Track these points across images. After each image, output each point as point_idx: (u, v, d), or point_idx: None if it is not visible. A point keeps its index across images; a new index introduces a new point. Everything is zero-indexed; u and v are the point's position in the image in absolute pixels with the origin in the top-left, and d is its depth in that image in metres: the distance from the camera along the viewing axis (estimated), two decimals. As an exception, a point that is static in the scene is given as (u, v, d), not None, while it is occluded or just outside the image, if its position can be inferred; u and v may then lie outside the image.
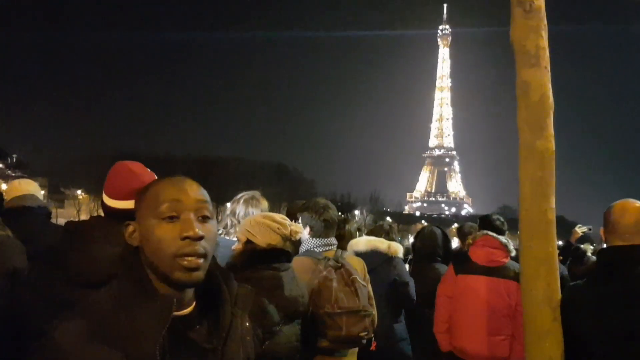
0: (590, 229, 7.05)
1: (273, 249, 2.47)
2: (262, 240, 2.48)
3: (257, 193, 3.49)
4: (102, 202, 2.44)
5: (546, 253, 2.41)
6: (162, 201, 1.11)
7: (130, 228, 1.16)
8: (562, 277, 2.62)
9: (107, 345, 1.03)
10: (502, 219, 4.50)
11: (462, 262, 3.91)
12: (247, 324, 1.28)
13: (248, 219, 2.68)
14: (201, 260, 1.10)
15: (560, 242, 8.39)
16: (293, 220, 4.17)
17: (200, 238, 1.09)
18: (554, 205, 2.46)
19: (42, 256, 2.88)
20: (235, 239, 3.13)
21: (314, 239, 3.11)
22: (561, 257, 5.04)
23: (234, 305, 1.23)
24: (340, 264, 2.95)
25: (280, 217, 2.65)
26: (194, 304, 1.18)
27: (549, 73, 2.47)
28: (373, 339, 3.06)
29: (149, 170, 2.28)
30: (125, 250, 1.17)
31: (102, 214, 2.42)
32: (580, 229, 6.82)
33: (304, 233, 3.14)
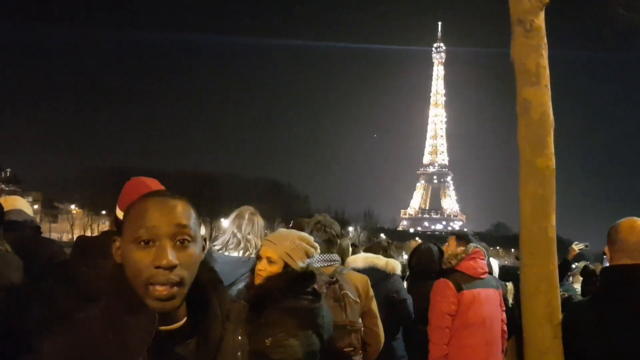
0: (587, 246, 7.05)
1: (310, 273, 2.43)
2: (298, 264, 2.40)
3: (252, 208, 3.49)
4: (115, 217, 2.45)
5: (547, 270, 2.41)
6: (139, 225, 1.09)
7: (117, 244, 1.16)
8: (569, 297, 2.62)
9: (92, 359, 1.03)
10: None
11: (459, 277, 3.90)
12: (240, 338, 1.27)
13: (285, 240, 2.47)
14: (175, 289, 1.08)
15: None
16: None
17: (174, 267, 1.07)
18: (554, 223, 2.46)
19: (48, 270, 2.88)
20: (236, 254, 3.13)
21: (315, 255, 3.11)
22: None
23: (226, 319, 1.22)
24: (334, 280, 2.95)
25: (311, 238, 2.61)
26: (184, 319, 1.17)
27: (549, 91, 2.50)
28: (361, 356, 3.01)
29: (163, 187, 2.27)
30: (113, 265, 1.16)
31: (106, 229, 2.42)
32: (577, 247, 6.82)
33: None
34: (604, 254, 2.51)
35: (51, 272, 2.37)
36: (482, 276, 3.96)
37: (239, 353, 1.25)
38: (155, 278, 1.07)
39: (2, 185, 68.75)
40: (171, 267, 1.07)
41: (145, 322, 1.06)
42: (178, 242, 1.10)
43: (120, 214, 2.40)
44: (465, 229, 5.39)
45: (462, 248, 4.08)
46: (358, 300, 2.97)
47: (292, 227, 4.13)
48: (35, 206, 58.96)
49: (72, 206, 70.94)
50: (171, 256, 1.07)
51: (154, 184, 2.32)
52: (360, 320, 2.97)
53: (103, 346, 1.05)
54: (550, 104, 2.51)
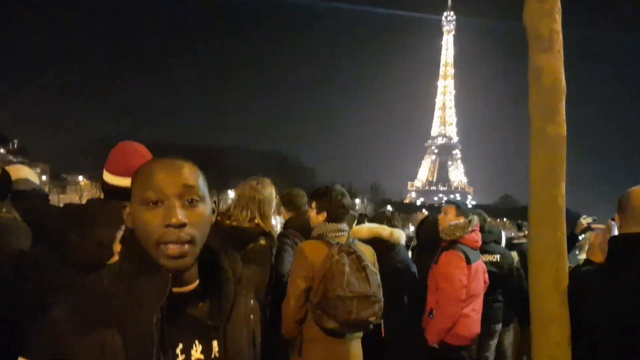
0: (595, 220, 7.03)
1: None
2: None
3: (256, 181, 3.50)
4: (102, 180, 2.45)
5: (555, 239, 2.39)
6: (147, 187, 1.09)
7: (127, 210, 1.16)
8: (576, 267, 2.60)
9: (104, 322, 1.03)
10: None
11: (466, 250, 3.93)
12: (252, 302, 1.28)
13: None
14: (186, 247, 1.08)
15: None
16: (284, 208, 4.17)
17: (183, 225, 1.07)
18: (564, 192, 2.43)
19: (43, 238, 2.90)
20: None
21: (328, 224, 3.12)
22: None
23: (238, 283, 1.22)
24: (352, 250, 2.99)
25: None
26: (197, 281, 1.18)
27: (562, 57, 2.44)
28: (382, 325, 3.09)
29: (151, 155, 2.27)
30: (126, 230, 1.18)
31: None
32: (585, 220, 6.80)
33: (318, 218, 3.18)
34: (613, 220, 2.49)
35: (47, 241, 2.38)
36: (478, 248, 4.09)
37: (251, 316, 1.26)
38: (166, 237, 1.07)
39: (10, 157, 69.20)
40: (181, 225, 1.07)
41: (158, 282, 1.07)
42: (187, 202, 1.11)
43: (107, 176, 2.40)
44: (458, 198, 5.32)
45: (462, 218, 4.06)
46: (376, 271, 3.01)
47: (285, 200, 4.11)
48: (44, 177, 59.34)
49: (80, 177, 71.32)
50: (180, 214, 1.07)
51: (142, 148, 2.31)
52: (381, 290, 3.00)
53: (117, 306, 1.05)
54: (562, 70, 2.45)
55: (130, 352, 1.02)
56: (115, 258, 1.89)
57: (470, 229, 4.00)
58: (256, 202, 3.28)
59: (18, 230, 2.94)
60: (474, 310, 3.98)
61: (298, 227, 3.84)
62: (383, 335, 3.13)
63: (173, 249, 1.07)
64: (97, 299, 1.06)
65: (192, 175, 1.13)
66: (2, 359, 2.18)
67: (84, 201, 2.64)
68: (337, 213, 3.15)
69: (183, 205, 1.09)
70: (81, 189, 68.10)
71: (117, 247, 1.94)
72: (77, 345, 1.00)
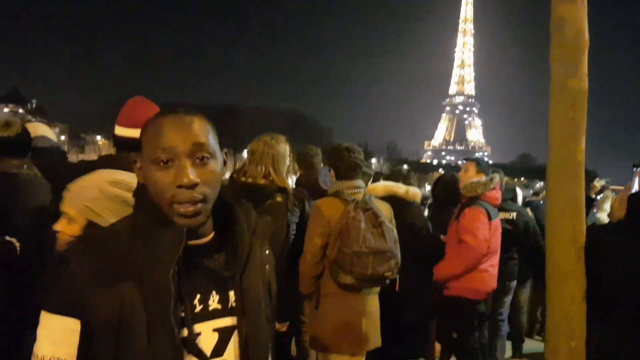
0: (608, 182, 6.98)
1: None
2: (107, 219, 1.69)
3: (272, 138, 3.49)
4: (113, 135, 2.47)
5: (574, 194, 2.37)
6: (157, 146, 1.07)
7: (137, 164, 1.15)
8: (593, 223, 2.58)
9: (122, 274, 1.05)
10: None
11: (487, 206, 3.96)
12: (267, 253, 1.29)
13: (87, 188, 1.77)
14: (199, 206, 1.08)
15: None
16: (298, 165, 4.16)
17: (195, 185, 1.07)
18: (583, 147, 2.40)
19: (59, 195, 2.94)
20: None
21: (343, 182, 3.12)
22: None
23: (253, 234, 1.23)
24: (368, 207, 2.99)
25: (132, 177, 1.82)
26: (212, 233, 1.18)
27: (586, 8, 2.37)
28: (397, 279, 3.11)
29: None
30: (138, 184, 1.17)
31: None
32: (599, 183, 6.74)
33: (329, 175, 3.17)
34: (635, 167, 2.45)
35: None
36: (497, 206, 4.13)
37: (267, 266, 1.27)
38: (178, 197, 1.07)
39: (29, 117, 69.79)
40: (192, 186, 1.07)
41: (174, 235, 1.07)
42: (197, 160, 1.09)
43: (118, 130, 2.42)
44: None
45: (483, 176, 4.06)
46: (392, 227, 3.01)
47: (299, 158, 4.11)
48: (62, 137, 59.90)
49: (98, 137, 71.94)
50: (191, 174, 1.06)
51: (152, 103, 2.32)
52: (397, 246, 3.01)
53: (133, 258, 1.06)
54: (586, 22, 2.38)
55: (148, 304, 1.03)
56: None
57: (491, 186, 4.02)
58: (270, 157, 3.27)
59: (39, 186, 2.99)
60: (492, 266, 4.04)
61: (307, 185, 3.84)
62: (397, 289, 3.16)
63: (186, 208, 1.07)
64: (113, 251, 1.07)
65: (202, 132, 1.11)
66: (26, 312, 2.25)
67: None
68: (349, 170, 3.14)
69: (194, 163, 1.08)
70: (99, 149, 68.77)
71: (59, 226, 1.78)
72: (96, 297, 1.02)
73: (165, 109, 1.16)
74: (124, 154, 2.45)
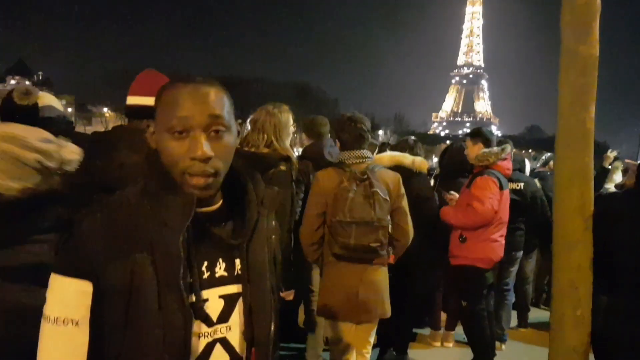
0: (620, 152, 6.97)
1: None
2: (8, 183, 1.74)
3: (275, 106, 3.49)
4: (125, 107, 2.49)
5: (582, 163, 2.35)
6: (172, 115, 1.07)
7: (151, 129, 1.15)
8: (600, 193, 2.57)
9: (131, 238, 1.05)
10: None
11: (499, 176, 3.99)
12: (273, 223, 1.29)
13: None
14: (211, 179, 1.08)
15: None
16: (305, 134, 4.16)
17: (209, 158, 1.06)
18: (593, 115, 2.36)
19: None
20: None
21: (347, 152, 3.12)
22: None
23: (261, 204, 1.23)
24: (365, 177, 2.99)
25: (41, 134, 1.85)
26: (220, 201, 1.19)
27: (597, -28, 2.31)
28: (391, 251, 3.11)
29: None
30: (149, 149, 1.17)
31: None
32: (612, 154, 6.73)
33: (335, 146, 3.18)
34: None
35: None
36: (508, 176, 4.19)
37: (272, 237, 1.28)
38: (191, 169, 1.07)
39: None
40: (206, 159, 1.06)
41: (184, 201, 1.08)
42: (212, 133, 1.09)
43: (130, 100, 2.44)
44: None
45: (490, 146, 4.11)
46: (388, 198, 3.00)
47: (306, 127, 4.10)
48: (69, 109, 59.88)
49: (105, 109, 71.92)
50: (206, 148, 1.06)
51: (164, 76, 2.34)
52: (388, 217, 3.02)
53: (143, 223, 1.06)
54: (597, -15, 2.32)
55: (159, 269, 1.04)
56: None
57: (503, 155, 4.06)
58: (272, 126, 3.28)
59: None
60: (501, 236, 4.09)
61: (313, 156, 3.84)
62: (391, 260, 3.16)
63: (198, 180, 1.07)
64: (124, 216, 1.07)
65: (218, 103, 1.10)
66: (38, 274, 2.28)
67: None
68: (353, 140, 3.14)
69: (209, 136, 1.08)
70: (106, 120, 68.79)
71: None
72: (108, 261, 1.03)
73: (183, 75, 1.15)
74: (137, 123, 2.45)
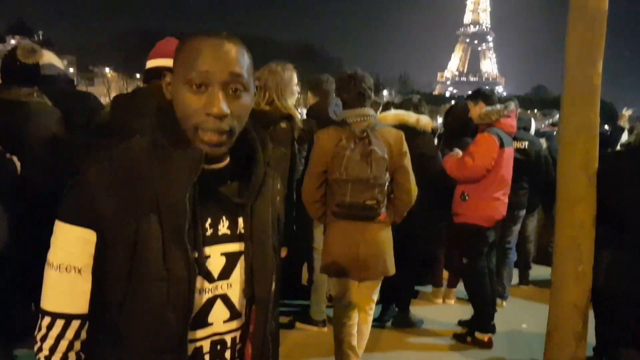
0: (634, 111, 6.91)
1: None
2: None
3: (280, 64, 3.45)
4: (145, 71, 2.49)
5: (588, 119, 2.33)
6: (192, 67, 1.04)
7: (168, 79, 1.13)
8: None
9: (139, 190, 1.05)
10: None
11: (501, 134, 3.97)
12: (279, 185, 1.29)
13: None
14: (224, 137, 1.07)
15: (606, 127, 8.09)
16: (310, 92, 4.14)
17: (224, 116, 1.05)
18: (600, 71, 2.33)
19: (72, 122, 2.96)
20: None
21: (347, 110, 3.09)
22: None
23: (267, 165, 1.23)
24: (364, 135, 2.96)
25: None
26: (227, 159, 1.18)
27: None
28: (384, 209, 3.09)
29: None
30: (162, 100, 1.15)
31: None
32: (627, 112, 6.66)
33: (340, 105, 3.15)
34: None
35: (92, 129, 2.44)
36: (513, 134, 4.16)
37: (277, 198, 1.28)
38: (205, 124, 1.05)
39: (37, 49, 68.77)
40: (222, 117, 1.05)
41: (192, 158, 1.07)
42: (231, 91, 1.07)
43: (150, 63, 2.42)
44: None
45: (498, 105, 4.08)
46: (386, 156, 2.98)
47: (311, 85, 4.07)
48: (71, 69, 59.40)
49: (107, 69, 71.35)
50: (223, 105, 1.04)
51: None
52: (387, 175, 3.00)
53: (149, 176, 1.06)
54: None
55: (164, 223, 1.04)
56: None
57: (506, 112, 4.02)
58: (274, 83, 3.25)
59: (51, 115, 2.99)
60: (504, 195, 4.09)
61: (318, 115, 3.81)
62: (382, 218, 3.14)
63: (210, 136, 1.06)
64: (130, 167, 1.06)
65: (240, 61, 1.08)
66: (41, 238, 2.31)
67: (112, 93, 2.68)
68: (354, 98, 3.11)
69: (227, 94, 1.06)
70: (109, 81, 68.29)
71: None
72: (113, 211, 1.03)
73: (208, 30, 1.11)
74: (157, 82, 2.44)
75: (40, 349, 1.07)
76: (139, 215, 1.03)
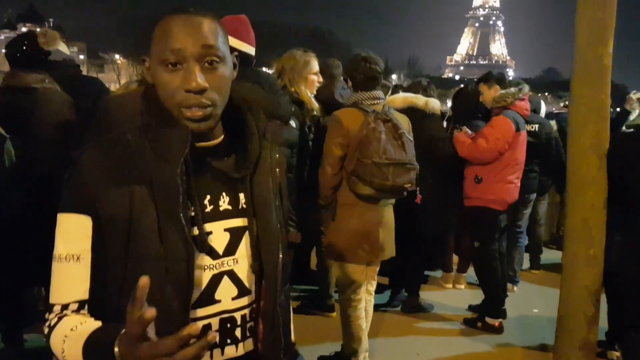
0: None
1: None
2: None
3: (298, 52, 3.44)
4: None
5: (598, 101, 2.29)
6: (164, 47, 1.04)
7: (147, 64, 1.13)
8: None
9: (131, 174, 1.05)
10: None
11: (516, 117, 3.95)
12: (277, 156, 1.27)
13: None
14: (208, 110, 1.06)
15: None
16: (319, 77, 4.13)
17: (204, 90, 1.04)
18: (611, 51, 2.28)
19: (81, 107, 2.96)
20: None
21: (361, 93, 3.06)
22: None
23: (263, 137, 1.22)
24: (389, 118, 2.95)
25: None
26: (222, 136, 1.18)
27: None
28: (418, 192, 3.11)
29: None
30: (147, 84, 1.15)
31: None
32: (635, 96, 6.52)
33: (346, 88, 3.12)
34: None
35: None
36: (527, 117, 4.13)
37: (277, 169, 1.26)
38: (186, 101, 1.05)
39: (47, 36, 68.98)
40: (201, 91, 1.04)
41: (180, 134, 1.07)
42: (206, 64, 1.06)
43: None
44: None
45: (512, 88, 4.05)
46: (412, 139, 2.98)
47: (320, 68, 4.06)
48: (81, 56, 59.58)
49: (117, 56, 71.46)
50: (200, 79, 1.04)
51: None
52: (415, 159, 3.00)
53: (142, 159, 1.06)
54: None
55: (158, 202, 1.04)
56: None
57: (520, 95, 4.01)
58: (289, 68, 3.24)
59: (62, 101, 3.00)
60: (517, 178, 4.07)
61: (325, 97, 3.78)
62: (418, 201, 3.16)
63: (194, 111, 1.05)
64: (121, 149, 1.07)
65: (212, 34, 1.07)
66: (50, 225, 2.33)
67: (122, 79, 2.66)
68: (367, 81, 3.07)
69: (202, 67, 1.05)
70: (118, 67, 68.39)
71: None
72: (107, 194, 1.03)
73: (177, 7, 1.12)
74: None
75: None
76: (132, 195, 1.03)
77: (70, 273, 1.06)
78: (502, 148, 3.89)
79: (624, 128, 6.13)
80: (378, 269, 3.32)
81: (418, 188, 3.13)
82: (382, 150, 2.85)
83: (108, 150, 1.07)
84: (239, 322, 1.16)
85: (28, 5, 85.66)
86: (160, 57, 1.06)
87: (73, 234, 1.05)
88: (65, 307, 1.06)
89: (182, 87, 1.04)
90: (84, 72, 3.88)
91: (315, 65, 3.38)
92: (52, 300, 1.07)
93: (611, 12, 2.26)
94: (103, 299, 1.06)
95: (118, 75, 63.27)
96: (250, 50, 2.78)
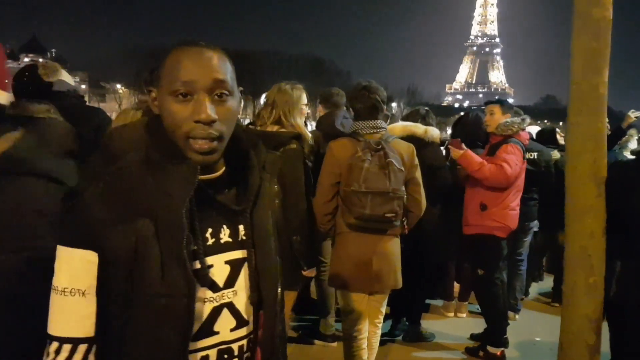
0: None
1: None
2: None
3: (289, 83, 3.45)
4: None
5: (595, 129, 2.31)
6: (176, 78, 1.06)
7: (153, 94, 1.14)
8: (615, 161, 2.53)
9: (135, 209, 1.05)
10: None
11: (522, 146, 4.01)
12: (276, 188, 1.30)
13: None
14: (215, 143, 1.08)
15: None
16: (321, 105, 4.15)
17: (213, 121, 1.06)
18: (606, 79, 2.32)
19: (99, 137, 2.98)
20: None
21: (359, 122, 3.09)
22: None
23: (262, 169, 1.24)
24: (380, 147, 2.96)
25: None
26: (223, 168, 1.19)
27: None
28: (405, 222, 3.09)
29: None
30: (151, 116, 1.16)
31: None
32: (633, 114, 6.55)
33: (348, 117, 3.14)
34: None
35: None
36: (525, 147, 4.17)
37: (276, 201, 1.28)
38: (195, 132, 1.06)
39: (49, 67, 69.70)
40: (210, 122, 1.06)
41: (187, 171, 1.07)
42: (216, 97, 1.09)
43: None
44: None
45: (508, 116, 4.08)
46: (402, 168, 2.98)
47: (322, 97, 4.10)
48: (83, 86, 60.08)
49: (118, 85, 72.05)
50: (210, 110, 1.06)
51: None
52: (403, 187, 3.00)
53: (146, 194, 1.05)
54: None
55: (161, 239, 1.04)
56: None
57: (524, 125, 4.08)
58: (282, 102, 3.24)
59: (67, 132, 3.02)
60: (518, 205, 4.09)
61: (326, 126, 3.80)
62: (405, 231, 3.13)
63: (202, 144, 1.07)
64: (126, 185, 1.06)
65: (222, 68, 1.10)
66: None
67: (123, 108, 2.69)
68: (367, 110, 3.10)
69: (212, 100, 1.08)
70: (120, 97, 68.88)
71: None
72: (112, 230, 1.03)
73: (187, 39, 1.14)
74: None
75: None
76: (136, 232, 1.03)
77: (76, 307, 1.05)
78: (519, 174, 3.97)
79: (628, 154, 6.17)
80: (385, 301, 3.27)
81: (405, 219, 3.11)
82: (363, 179, 2.88)
83: (112, 185, 1.06)
84: (236, 353, 1.17)
85: (30, 36, 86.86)
86: (171, 87, 1.07)
87: (78, 269, 1.05)
88: (70, 341, 1.05)
89: (191, 118, 1.06)
90: (86, 102, 3.90)
91: (305, 96, 3.41)
92: (54, 332, 1.06)
93: (605, 42, 2.30)
94: (106, 335, 1.06)
95: (119, 104, 63.63)
96: None
